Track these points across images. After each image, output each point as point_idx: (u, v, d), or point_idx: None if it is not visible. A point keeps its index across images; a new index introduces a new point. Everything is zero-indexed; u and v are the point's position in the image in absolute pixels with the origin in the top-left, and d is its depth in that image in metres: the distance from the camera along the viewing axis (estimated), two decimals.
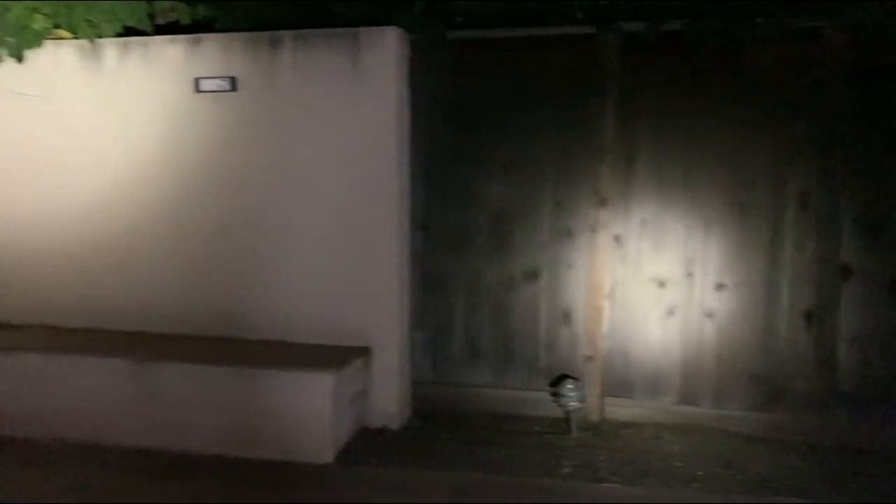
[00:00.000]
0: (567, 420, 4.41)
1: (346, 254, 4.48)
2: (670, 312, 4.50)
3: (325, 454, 4.01)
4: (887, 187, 4.19)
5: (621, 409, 4.57)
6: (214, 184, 4.63)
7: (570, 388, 4.38)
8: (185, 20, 4.65)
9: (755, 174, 4.35)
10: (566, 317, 4.63)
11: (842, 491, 3.70)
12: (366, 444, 4.27)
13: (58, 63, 4.78)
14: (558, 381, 4.52)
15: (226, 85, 4.54)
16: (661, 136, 4.45)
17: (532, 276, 4.66)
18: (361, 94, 4.40)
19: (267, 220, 4.58)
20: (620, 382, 4.59)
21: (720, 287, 4.43)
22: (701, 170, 4.42)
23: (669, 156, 4.45)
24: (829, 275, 4.28)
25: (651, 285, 4.52)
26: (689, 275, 4.47)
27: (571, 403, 4.38)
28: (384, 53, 4.37)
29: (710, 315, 4.45)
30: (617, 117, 4.47)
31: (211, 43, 4.58)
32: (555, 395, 4.48)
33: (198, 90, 4.58)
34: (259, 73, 4.52)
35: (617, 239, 4.55)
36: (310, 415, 4.01)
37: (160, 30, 4.70)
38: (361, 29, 4.38)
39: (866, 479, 3.84)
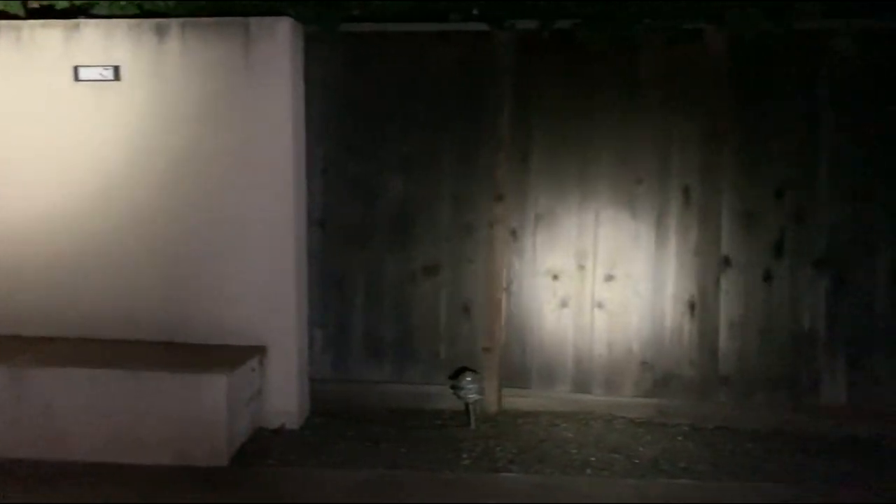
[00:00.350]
0: (467, 412, 4.46)
1: (241, 251, 4.35)
2: (564, 304, 4.63)
3: (220, 457, 3.89)
4: (761, 182, 4.46)
5: (519, 399, 4.67)
6: (97, 178, 4.38)
7: (469, 381, 4.44)
8: (62, 4, 4.37)
9: (643, 170, 4.53)
10: (466, 310, 4.68)
11: (724, 469, 3.93)
12: (263, 444, 4.17)
13: None
14: (458, 373, 4.56)
15: (108, 74, 4.31)
16: (555, 132, 4.57)
17: (432, 270, 4.68)
18: (254, 85, 4.27)
19: (155, 216, 4.37)
20: (518, 373, 4.68)
21: (610, 279, 4.59)
22: (593, 166, 4.56)
23: (563, 152, 4.57)
24: (709, 265, 4.52)
25: (546, 278, 4.64)
26: (582, 267, 4.61)
27: (471, 396, 4.43)
28: (277, 44, 4.26)
29: (600, 306, 4.61)
30: (512, 114, 4.55)
31: (91, 29, 4.33)
32: (454, 388, 4.52)
33: (77, 79, 4.33)
34: (145, 61, 4.31)
35: (513, 233, 4.63)
36: (203, 417, 3.88)
37: (33, 14, 4.40)
38: (252, 18, 4.25)
39: (746, 457, 4.09)
